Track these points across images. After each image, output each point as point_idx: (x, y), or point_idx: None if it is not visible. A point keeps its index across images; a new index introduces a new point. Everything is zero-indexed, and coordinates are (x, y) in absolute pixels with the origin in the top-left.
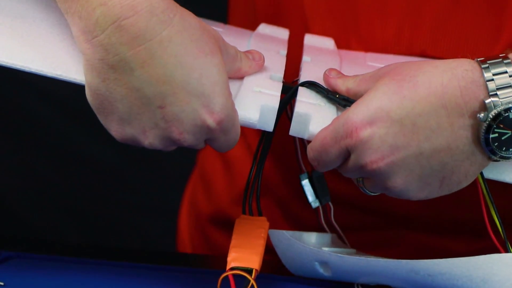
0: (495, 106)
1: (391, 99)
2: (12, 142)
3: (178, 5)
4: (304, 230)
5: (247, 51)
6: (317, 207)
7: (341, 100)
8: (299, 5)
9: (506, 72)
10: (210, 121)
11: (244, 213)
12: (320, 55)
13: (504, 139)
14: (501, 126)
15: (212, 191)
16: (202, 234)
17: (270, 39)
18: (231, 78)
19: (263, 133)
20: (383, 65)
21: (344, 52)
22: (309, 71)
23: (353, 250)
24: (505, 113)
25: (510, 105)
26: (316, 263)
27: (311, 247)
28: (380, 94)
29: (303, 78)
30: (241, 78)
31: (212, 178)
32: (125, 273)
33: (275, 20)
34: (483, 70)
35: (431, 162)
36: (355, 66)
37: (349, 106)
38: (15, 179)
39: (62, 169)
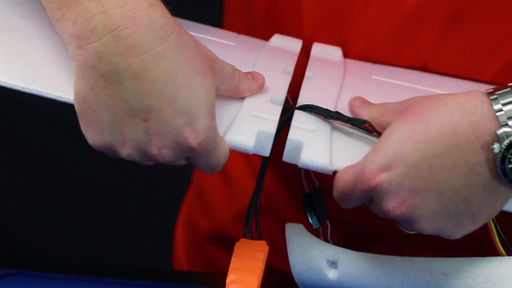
0: (507, 136)
1: (404, 144)
2: (9, 160)
3: (177, 23)
4: None
5: (248, 72)
6: (318, 228)
7: (345, 117)
8: (297, 17)
9: None
10: (192, 139)
11: (244, 236)
12: (324, 69)
13: None
14: None
15: (211, 209)
16: (199, 251)
17: (279, 54)
18: (229, 97)
19: (263, 158)
20: (388, 80)
21: (351, 63)
22: (309, 90)
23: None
24: None
25: None
26: (325, 261)
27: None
28: (394, 139)
29: (302, 97)
30: (240, 98)
31: (210, 196)
32: None
33: (272, 29)
34: (492, 102)
35: (455, 201)
36: (359, 81)
37: (353, 123)
38: (12, 196)
39: (59, 187)
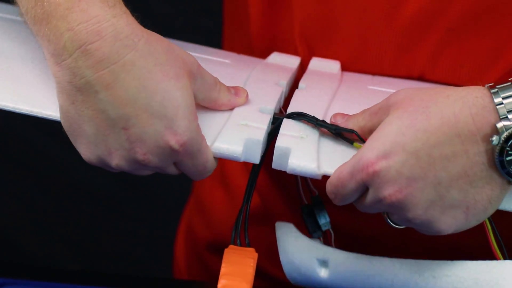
0: (506, 129)
1: (405, 133)
2: (8, 169)
3: (145, 30)
4: None
5: (232, 87)
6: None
7: (332, 126)
8: (291, 33)
9: None
10: (173, 142)
11: (233, 243)
12: (318, 81)
13: None
14: None
15: (211, 218)
16: (200, 261)
17: (275, 69)
18: (207, 107)
19: (253, 166)
20: (383, 89)
21: (349, 75)
22: (299, 100)
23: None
24: None
25: None
26: (316, 260)
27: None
28: (394, 128)
29: (291, 107)
30: (220, 110)
31: (211, 205)
32: None
33: (268, 44)
34: (493, 95)
35: (451, 191)
36: (353, 91)
37: (341, 131)
38: (10, 205)
39: (58, 196)
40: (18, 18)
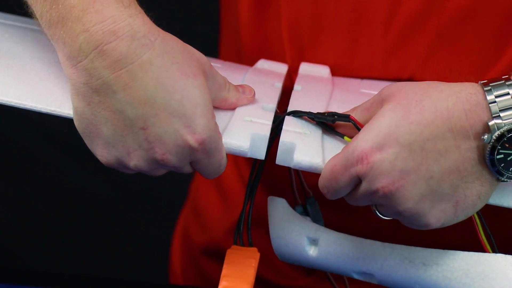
0: (498, 128)
1: (398, 125)
2: (3, 174)
3: (160, 30)
4: None
5: (239, 85)
6: None
7: (329, 116)
8: (281, 39)
9: (508, 93)
10: (192, 141)
11: (235, 243)
12: (312, 84)
13: (510, 159)
14: (506, 146)
15: (206, 223)
16: (195, 265)
17: (267, 73)
18: (216, 107)
19: (254, 164)
20: (376, 92)
21: (339, 80)
22: (298, 100)
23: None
24: (508, 134)
25: None
26: (306, 238)
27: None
28: (387, 120)
29: (291, 107)
30: (229, 109)
31: (206, 210)
32: None
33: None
34: (486, 93)
35: (442, 185)
36: (347, 94)
37: (338, 120)
38: (5, 210)
39: (53, 201)
40: (15, 23)
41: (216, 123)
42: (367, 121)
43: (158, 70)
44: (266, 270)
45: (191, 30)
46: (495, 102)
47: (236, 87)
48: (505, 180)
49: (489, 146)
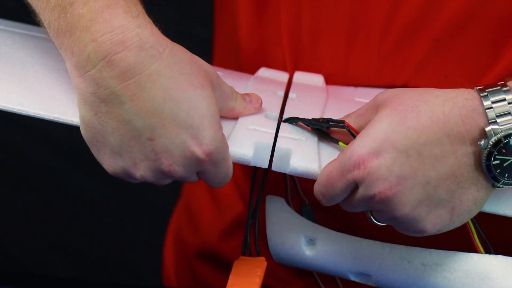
0: (495, 133)
1: (395, 130)
2: (1, 178)
3: (168, 40)
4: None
5: (246, 94)
6: None
7: (324, 122)
8: (280, 42)
9: (504, 99)
10: (199, 152)
11: (243, 254)
12: (307, 92)
13: (506, 165)
14: (503, 151)
15: (199, 225)
16: (188, 268)
17: (269, 81)
18: (224, 117)
19: (254, 172)
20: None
21: (333, 88)
22: (293, 107)
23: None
24: (505, 140)
25: (510, 131)
26: (303, 237)
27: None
28: (384, 125)
29: (286, 113)
30: (236, 118)
31: (199, 212)
32: None
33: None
34: (482, 99)
35: (439, 191)
36: (341, 102)
37: (333, 126)
38: (3, 214)
39: (49, 204)
40: (16, 30)
41: (223, 134)
42: (361, 127)
43: (166, 81)
44: (265, 278)
45: (187, 33)
46: (491, 108)
47: (243, 96)
48: (501, 186)
49: (486, 152)
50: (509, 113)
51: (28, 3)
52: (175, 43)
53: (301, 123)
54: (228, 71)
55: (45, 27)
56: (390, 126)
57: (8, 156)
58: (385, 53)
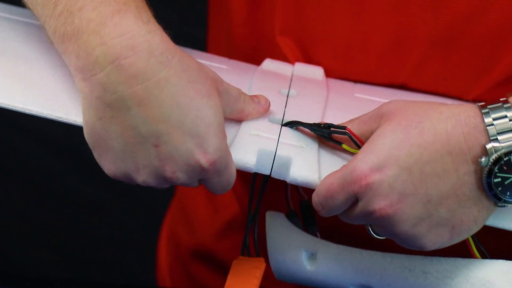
0: (495, 151)
1: (399, 147)
2: None
3: (177, 47)
4: None
5: (254, 96)
6: None
7: (326, 128)
8: (275, 39)
9: (506, 116)
10: (204, 161)
11: (242, 254)
12: (307, 88)
13: (508, 183)
14: (504, 169)
15: (194, 225)
16: (182, 267)
17: (273, 77)
18: (233, 119)
19: (254, 176)
20: (370, 97)
21: (332, 82)
22: (294, 107)
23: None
24: (505, 157)
25: (511, 149)
26: (304, 252)
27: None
28: (388, 141)
29: (287, 115)
30: (246, 119)
31: (194, 212)
32: None
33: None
34: (484, 115)
35: (440, 209)
36: (342, 99)
37: (334, 132)
38: None
39: (43, 204)
40: (20, 18)
41: (226, 143)
42: (363, 134)
43: (174, 88)
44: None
45: (183, 33)
46: (492, 125)
47: (252, 97)
48: (503, 205)
49: (486, 169)
50: (510, 130)
51: (34, 14)
52: (183, 51)
53: (302, 128)
54: (233, 62)
55: (49, 36)
56: (393, 142)
57: (4, 156)
58: (384, 51)
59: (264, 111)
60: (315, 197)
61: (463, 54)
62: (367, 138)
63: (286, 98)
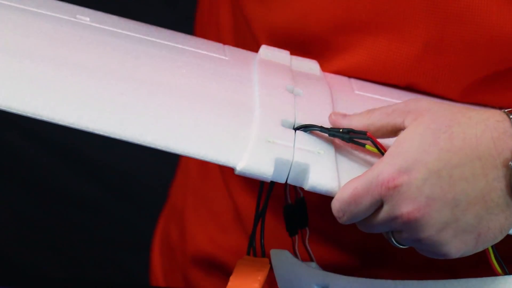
0: None
1: (428, 151)
2: None
3: None
4: None
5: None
6: (294, 236)
7: (345, 133)
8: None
9: None
10: None
11: (248, 254)
12: (311, 86)
13: None
14: None
15: (187, 228)
16: (177, 271)
17: (275, 69)
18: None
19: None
20: (372, 95)
21: (329, 77)
22: (304, 108)
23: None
24: None
25: None
26: (316, 287)
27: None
28: (416, 144)
29: (299, 117)
30: (247, 120)
31: (188, 215)
32: None
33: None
34: None
35: (467, 215)
36: (346, 97)
37: (354, 138)
38: None
39: (39, 203)
40: (18, 5)
41: None
42: (384, 126)
43: None
44: None
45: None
46: None
47: None
48: None
49: None
50: None
51: None
52: None
53: (317, 132)
54: (229, 51)
55: None
56: (422, 146)
57: (3, 155)
58: (377, 49)
59: None
60: (335, 204)
61: (456, 54)
62: (387, 131)
63: (293, 97)
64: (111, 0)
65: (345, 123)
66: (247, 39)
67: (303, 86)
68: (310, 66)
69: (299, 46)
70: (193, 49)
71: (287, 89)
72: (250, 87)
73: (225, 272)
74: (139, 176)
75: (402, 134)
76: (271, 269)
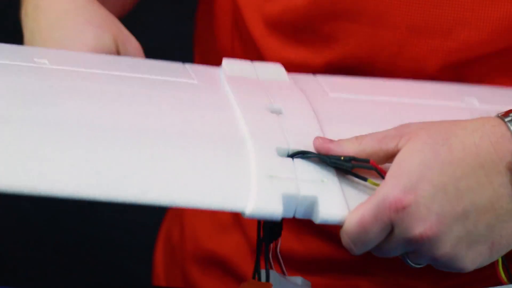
0: None
1: (429, 166)
2: None
3: None
4: None
5: None
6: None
7: (347, 162)
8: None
9: None
10: None
11: (254, 278)
12: (287, 99)
13: None
14: None
15: (191, 228)
16: (179, 271)
17: (247, 86)
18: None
19: None
20: (347, 96)
21: (296, 79)
22: (292, 129)
23: None
24: None
25: None
26: None
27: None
28: (416, 161)
29: (291, 142)
30: (242, 154)
31: (186, 210)
32: None
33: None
34: (508, 123)
35: (478, 226)
36: (324, 104)
37: (357, 166)
38: None
39: (39, 205)
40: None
41: None
42: (376, 153)
43: None
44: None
45: (178, 29)
46: None
47: None
48: None
49: None
50: None
51: None
52: None
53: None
54: (193, 71)
55: None
56: (423, 162)
57: None
58: (362, 34)
59: None
60: (344, 237)
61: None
62: (379, 157)
63: (276, 117)
64: None
65: (338, 150)
66: (242, 29)
67: (280, 100)
68: (277, 72)
69: (292, 36)
70: (160, 78)
71: (269, 109)
72: (231, 113)
73: (223, 269)
74: None
75: (400, 154)
76: None
